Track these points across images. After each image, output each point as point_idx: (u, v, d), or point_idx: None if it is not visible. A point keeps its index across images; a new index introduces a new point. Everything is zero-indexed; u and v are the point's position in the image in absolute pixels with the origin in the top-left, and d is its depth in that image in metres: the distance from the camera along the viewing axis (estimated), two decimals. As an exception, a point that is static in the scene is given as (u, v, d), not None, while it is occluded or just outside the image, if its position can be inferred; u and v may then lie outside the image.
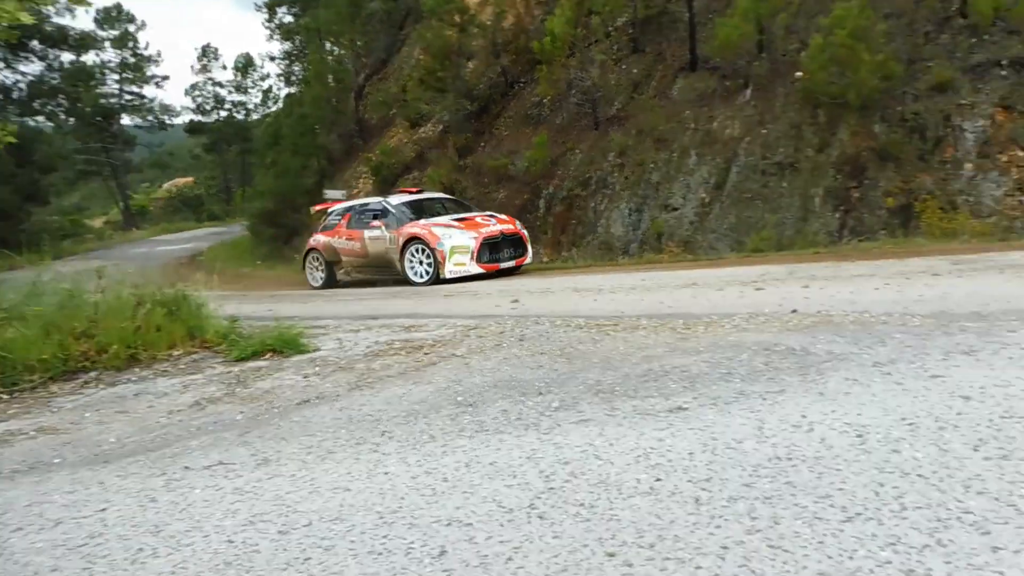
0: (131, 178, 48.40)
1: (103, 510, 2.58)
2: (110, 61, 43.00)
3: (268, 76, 47.19)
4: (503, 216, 12.20)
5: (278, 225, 21.93)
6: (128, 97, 44.46)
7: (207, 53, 47.10)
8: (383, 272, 11.80)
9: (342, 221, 12.68)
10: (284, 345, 5.12)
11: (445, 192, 14.83)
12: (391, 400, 3.67)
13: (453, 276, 10.61)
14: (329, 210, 13.61)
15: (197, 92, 46.92)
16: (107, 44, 42.50)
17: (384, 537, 2.15)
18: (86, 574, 2.13)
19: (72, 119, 41.09)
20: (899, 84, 11.32)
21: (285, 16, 34.46)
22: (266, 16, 35.01)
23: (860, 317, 4.35)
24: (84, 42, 38.48)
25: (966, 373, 3.02)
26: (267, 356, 5.04)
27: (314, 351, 5.14)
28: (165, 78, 45.46)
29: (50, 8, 22.25)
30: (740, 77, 13.53)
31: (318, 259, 13.01)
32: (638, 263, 11.60)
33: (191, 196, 49.13)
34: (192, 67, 50.17)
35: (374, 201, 12.75)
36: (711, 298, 6.04)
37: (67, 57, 38.28)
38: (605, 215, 13.81)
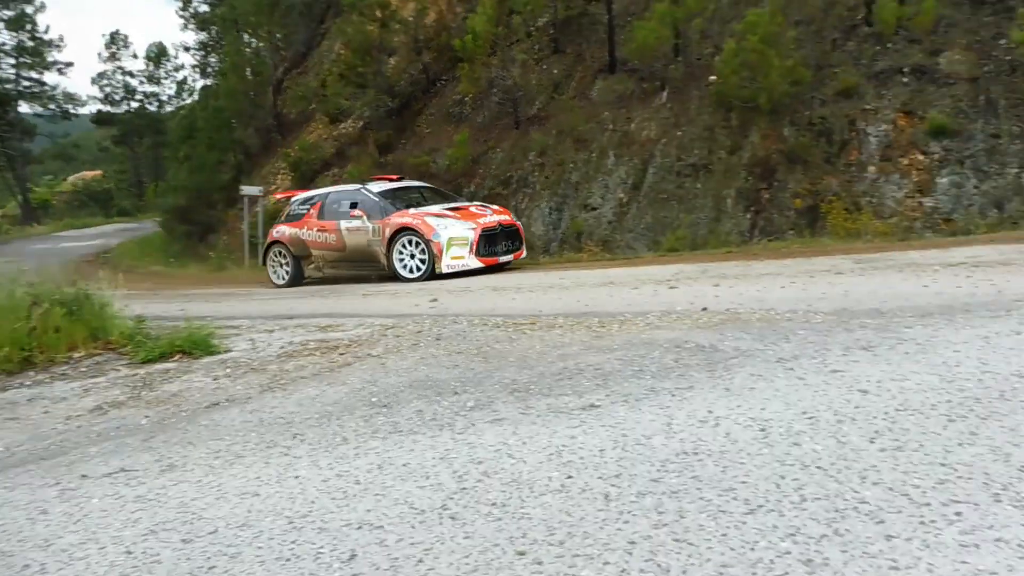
0: (31, 170, 45.84)
1: (-12, 524, 2.45)
2: (4, 44, 40.60)
3: (183, 67, 45.36)
4: (495, 207, 11.40)
5: (192, 222, 21.25)
6: (26, 83, 42.05)
7: (116, 40, 45.09)
8: (363, 267, 10.83)
9: (311, 211, 11.50)
10: (194, 346, 4.97)
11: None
12: (304, 402, 3.61)
13: (451, 271, 9.78)
14: (292, 199, 12.36)
15: (105, 81, 44.78)
16: (0, 25, 40.16)
17: (293, 542, 2.11)
18: (-34, 594, 2.03)
19: (-39, 105, 38.69)
20: (807, 89, 11.76)
21: (200, 5, 33.39)
22: (180, 4, 33.85)
23: (766, 315, 4.51)
24: (-28, 22, 36.21)
25: (864, 368, 3.15)
26: (176, 358, 4.87)
27: (225, 352, 5.00)
28: (69, 64, 42.86)
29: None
30: (657, 80, 13.81)
31: (283, 254, 11.73)
32: (558, 262, 11.71)
33: (99, 190, 46.90)
34: (100, 55, 47.74)
35: (350, 188, 11.65)
36: (626, 296, 6.15)
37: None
38: (526, 214, 13.89)
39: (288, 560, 2.00)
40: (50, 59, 41.85)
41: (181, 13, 34.35)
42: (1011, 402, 2.58)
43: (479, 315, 5.68)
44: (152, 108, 45.51)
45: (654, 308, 5.17)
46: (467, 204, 11.22)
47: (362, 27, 17.23)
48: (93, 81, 45.39)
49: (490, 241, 10.15)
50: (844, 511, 1.97)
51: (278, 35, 21.96)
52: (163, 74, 45.35)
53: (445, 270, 9.75)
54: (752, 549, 1.83)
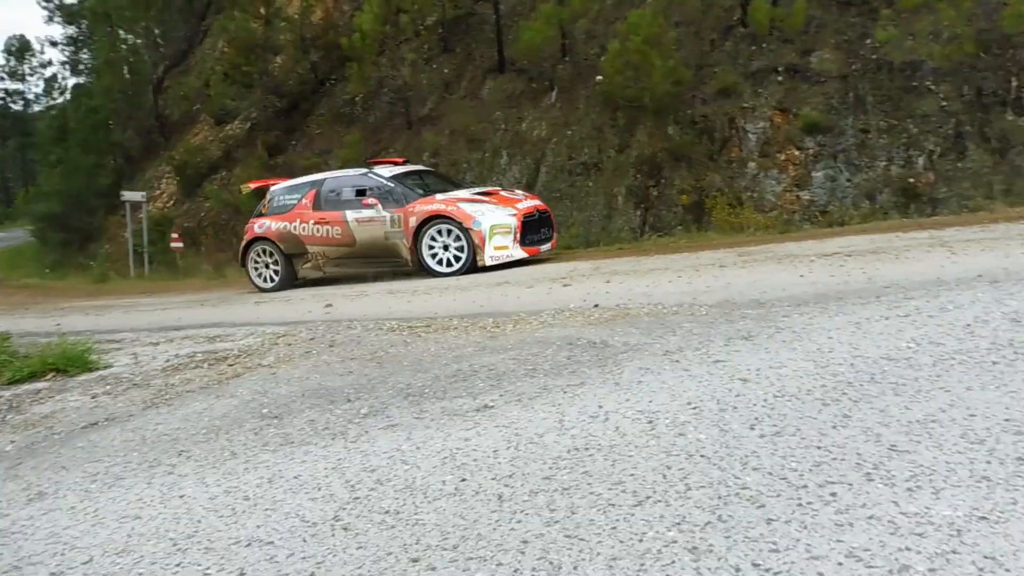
0: None
1: None
2: None
3: (50, 63, 42.81)
4: (520, 191, 10.43)
5: (70, 230, 20.09)
6: None
7: (-34, 33, 42.08)
8: (378, 263, 9.50)
9: (304, 201, 9.99)
10: (68, 363, 4.69)
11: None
12: (190, 417, 3.48)
13: (495, 263, 8.64)
14: (272, 188, 10.69)
15: (-44, 77, 41.93)
16: None
17: (177, 566, 2.03)
18: None
19: None
20: (689, 88, 12.17)
21: (66, -5, 31.41)
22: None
23: (654, 309, 4.63)
24: None
25: (745, 357, 3.28)
26: (48, 376, 4.60)
27: (105, 368, 4.75)
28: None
29: None
30: (546, 79, 13.99)
31: (268, 252, 10.17)
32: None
33: (-42, 198, 43.91)
34: (-53, 47, 44.42)
35: (353, 174, 10.09)
36: (521, 296, 6.21)
37: None
38: (421, 214, 13.82)
39: (172, 584, 1.93)
40: None
41: (45, 4, 32.29)
42: (880, 384, 2.73)
43: (374, 319, 5.61)
44: (17, 107, 42.79)
45: (548, 306, 5.23)
46: (494, 188, 10.17)
47: (245, 24, 16.74)
48: (-56, 77, 42.40)
49: (530, 228, 9.08)
50: (727, 497, 2.03)
51: (156, 31, 21.00)
52: (28, 70, 42.73)
53: (489, 262, 8.63)
54: (640, 540, 1.87)
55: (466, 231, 8.65)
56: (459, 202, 8.97)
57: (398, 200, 9.27)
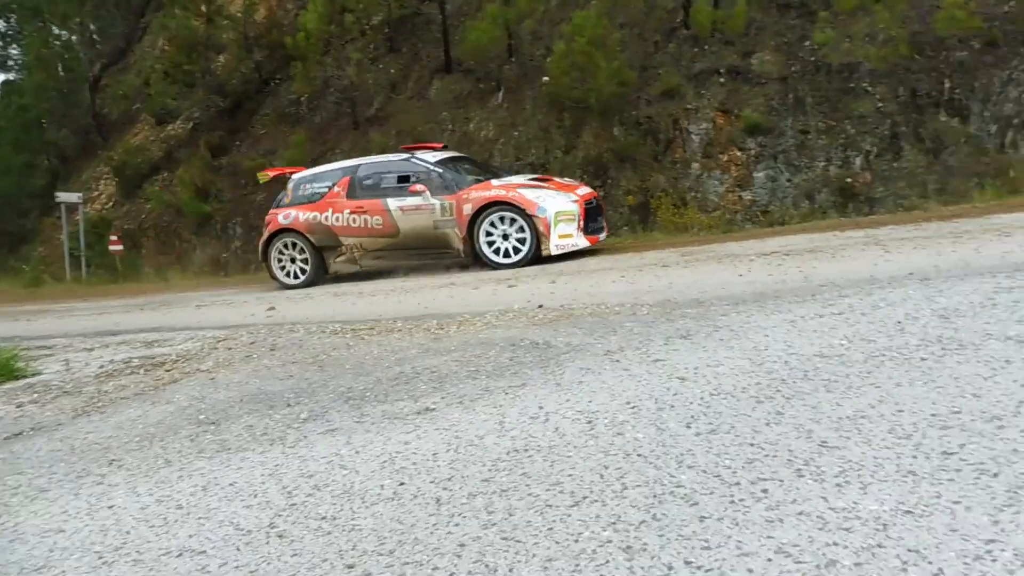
0: None
1: None
2: None
3: (-27, 57, 41.27)
4: (567, 179, 10.02)
5: (0, 232, 19.38)
6: None
7: None
8: (422, 255, 8.90)
9: (336, 189, 9.36)
10: (-7, 371, 4.53)
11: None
12: (123, 425, 3.38)
13: (560, 252, 8.16)
14: (294, 176, 10.04)
15: None
16: None
17: (102, 579, 1.96)
18: None
19: None
20: (633, 90, 12.30)
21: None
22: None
23: (597, 309, 4.67)
24: None
25: (683, 356, 3.32)
26: (-29, 385, 4.43)
27: (33, 375, 4.60)
28: None
29: None
30: (492, 80, 14.00)
31: (295, 245, 9.51)
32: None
33: None
34: None
35: (393, 159, 9.49)
36: (467, 297, 6.20)
37: None
38: (368, 215, 13.71)
39: (96, 599, 1.87)
40: None
41: (-34, -6, 31.03)
42: (813, 381, 2.79)
43: (317, 322, 5.54)
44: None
45: (492, 308, 5.23)
46: (544, 176, 9.82)
47: (186, 22, 16.38)
48: None
49: (590, 216, 8.59)
50: (662, 496, 2.05)
51: (92, 27, 20.38)
52: (-52, 64, 41.10)
53: (554, 251, 8.13)
54: (576, 541, 1.87)
55: (530, 219, 8.12)
56: (519, 188, 8.48)
57: (448, 186, 8.71)
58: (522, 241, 8.21)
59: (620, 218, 11.73)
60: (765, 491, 1.99)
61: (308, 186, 9.70)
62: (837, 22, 11.50)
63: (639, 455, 2.33)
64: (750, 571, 1.64)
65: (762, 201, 11.22)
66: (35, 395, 4.11)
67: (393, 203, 8.92)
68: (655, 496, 2.05)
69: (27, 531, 2.32)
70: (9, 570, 2.07)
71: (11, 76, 26.29)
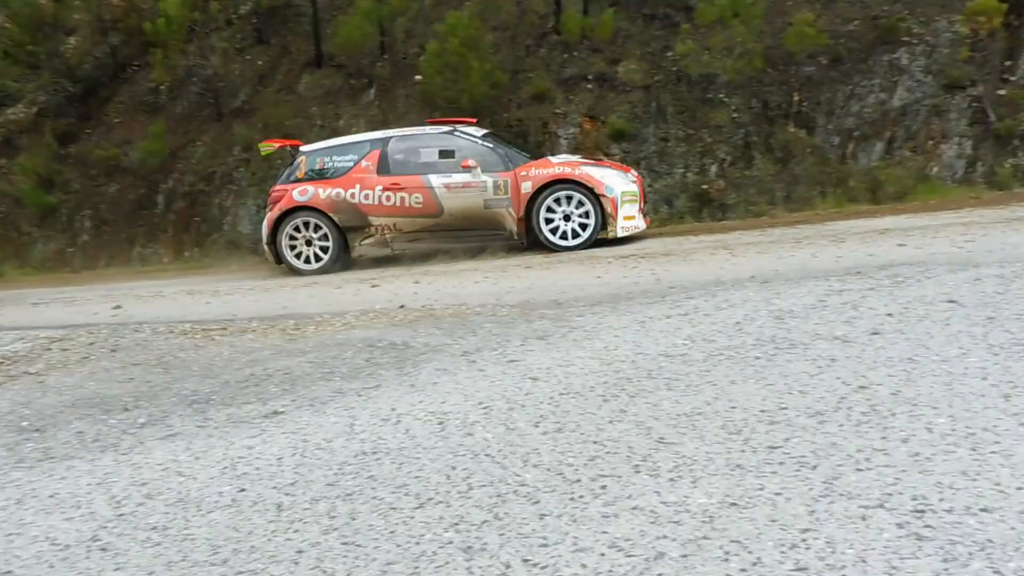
0: None
1: None
2: None
3: None
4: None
5: None
6: None
7: None
8: (470, 236, 8.16)
9: (365, 163, 8.43)
10: None
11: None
12: (-66, 434, 3.09)
13: (625, 234, 7.81)
14: (305, 149, 9.01)
15: None
16: None
17: None
18: None
19: None
20: (505, 92, 12.42)
21: None
22: None
23: (459, 310, 4.68)
24: None
25: (537, 356, 3.38)
26: None
27: None
28: None
29: None
30: (365, 76, 13.78)
31: (313, 226, 8.43)
32: (267, 262, 11.21)
33: None
34: None
35: (432, 131, 8.63)
36: (328, 296, 6.07)
37: None
38: (231, 212, 13.20)
39: None
40: None
41: None
42: (656, 380, 2.90)
43: (166, 322, 5.26)
44: None
45: (353, 307, 5.14)
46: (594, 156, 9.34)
47: (30, -1, 15.20)
48: None
49: (645, 199, 8.29)
50: (505, 495, 2.07)
51: (-81, 1, 18.59)
52: None
53: (620, 233, 7.74)
54: (417, 543, 1.87)
55: (597, 199, 7.65)
56: (582, 165, 7.99)
57: (503, 163, 8.09)
58: (584, 226, 7.75)
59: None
60: (604, 487, 2.05)
61: (332, 160, 8.67)
62: (698, 34, 12.02)
63: (487, 455, 2.35)
64: (584, 566, 1.68)
65: (625, 206, 11.59)
66: None
67: (436, 180, 8.15)
68: (499, 495, 2.08)
69: None
70: None
71: None
